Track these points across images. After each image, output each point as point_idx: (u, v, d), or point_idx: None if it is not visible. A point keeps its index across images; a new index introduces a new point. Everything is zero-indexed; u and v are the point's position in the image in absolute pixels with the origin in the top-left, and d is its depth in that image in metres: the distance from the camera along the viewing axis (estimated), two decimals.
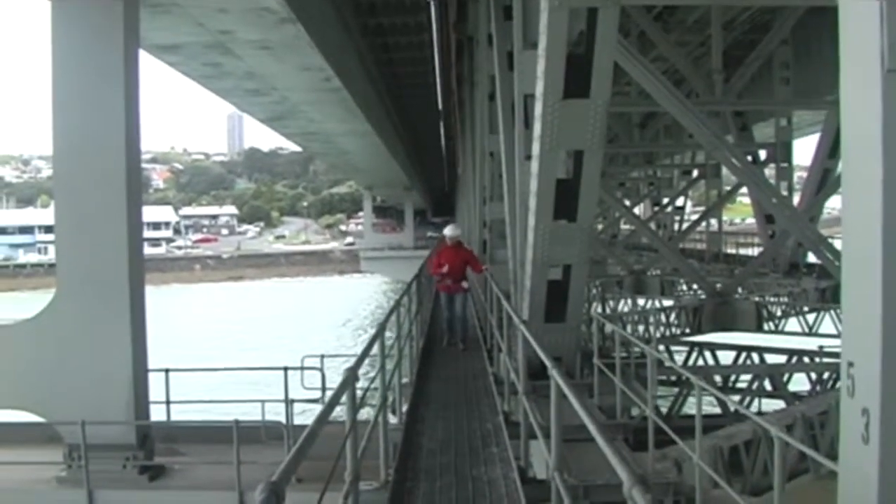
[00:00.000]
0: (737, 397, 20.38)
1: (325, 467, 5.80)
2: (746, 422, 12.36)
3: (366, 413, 11.66)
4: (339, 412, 8.18)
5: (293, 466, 4.26)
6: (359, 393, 7.80)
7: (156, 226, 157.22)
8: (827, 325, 30.35)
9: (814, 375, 21.98)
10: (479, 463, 10.69)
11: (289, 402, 15.63)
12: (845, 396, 3.21)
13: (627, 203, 52.92)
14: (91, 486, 14.56)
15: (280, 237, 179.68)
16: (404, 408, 13.41)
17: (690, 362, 25.64)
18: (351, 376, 6.74)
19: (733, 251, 47.22)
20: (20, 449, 15.91)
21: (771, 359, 23.53)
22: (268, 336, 68.98)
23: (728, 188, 41.64)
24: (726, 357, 26.16)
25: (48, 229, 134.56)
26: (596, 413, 11.83)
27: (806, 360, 22.23)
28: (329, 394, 6.98)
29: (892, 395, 2.92)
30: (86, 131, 15.12)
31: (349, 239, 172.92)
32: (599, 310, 29.47)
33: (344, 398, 6.54)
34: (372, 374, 11.23)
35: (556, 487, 6.75)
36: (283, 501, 3.76)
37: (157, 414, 16.60)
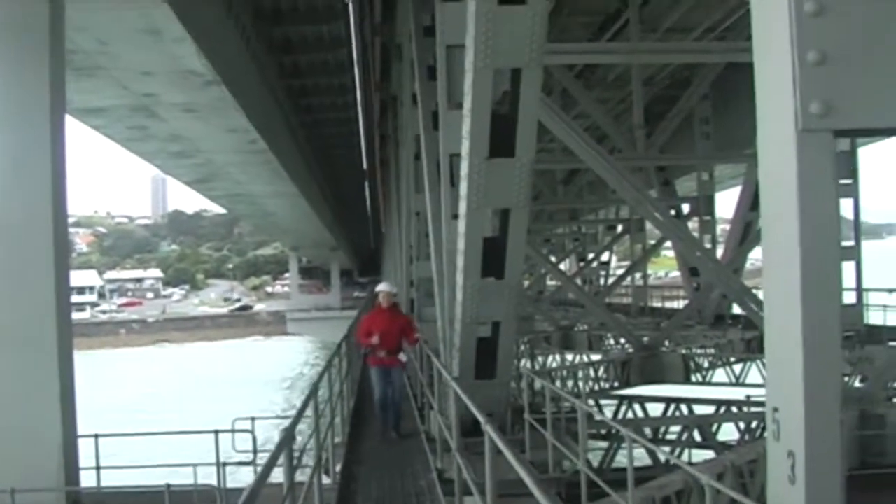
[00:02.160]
0: (667, 448, 20.57)
1: None
2: (678, 472, 12.52)
3: (299, 474, 11.66)
4: (275, 474, 8.21)
5: None
6: (300, 458, 7.85)
7: (80, 290, 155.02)
8: (754, 375, 30.76)
9: (742, 425, 22.23)
10: (403, 416, 10.70)
11: (221, 465, 15.55)
12: (772, 440, 3.33)
13: (553, 259, 53.36)
14: None
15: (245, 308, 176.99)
16: (338, 467, 13.40)
17: (620, 415, 25.82)
18: (288, 436, 6.78)
19: (659, 304, 47.70)
20: None
21: (699, 410, 23.78)
22: (197, 399, 68.44)
23: (652, 242, 42.19)
24: (656, 409, 26.41)
25: None
26: (530, 468, 11.92)
27: (734, 409, 22.51)
28: (261, 456, 6.96)
29: (815, 438, 3.07)
30: (12, 195, 15.06)
31: (270, 302, 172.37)
32: (529, 366, 29.57)
33: (281, 458, 6.57)
34: (305, 435, 11.26)
35: None
36: None
37: (87, 480, 16.43)
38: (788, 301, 3.17)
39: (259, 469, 5.72)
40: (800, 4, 3.07)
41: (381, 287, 17.68)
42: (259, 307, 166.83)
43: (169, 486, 14.18)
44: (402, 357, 17.18)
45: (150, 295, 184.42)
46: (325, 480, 11.69)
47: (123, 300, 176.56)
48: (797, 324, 3.09)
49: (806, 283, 3.08)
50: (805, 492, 3.06)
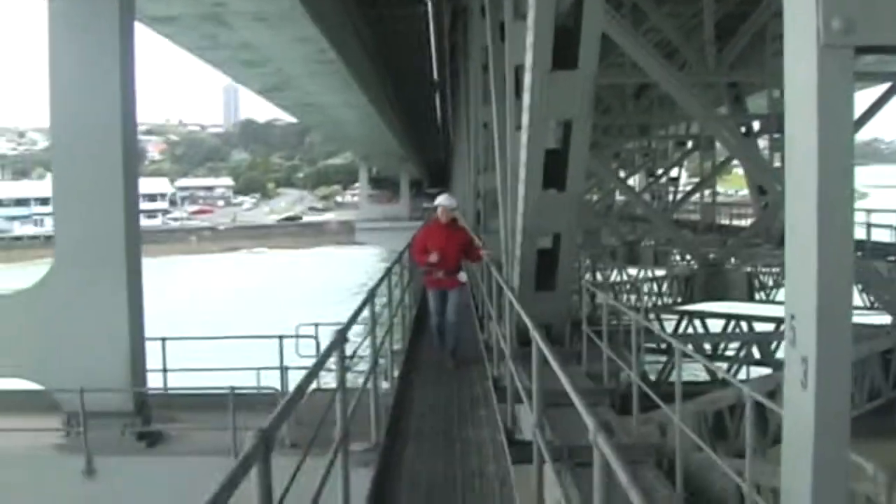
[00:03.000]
0: (724, 365, 20.66)
1: (319, 434, 6.02)
2: (730, 387, 12.61)
3: (359, 380, 11.88)
4: (331, 379, 8.41)
5: (283, 416, 4.48)
6: (351, 359, 8.06)
7: (151, 198, 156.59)
8: None
9: (850, 360, 22.21)
10: (467, 425, 10.94)
11: (284, 370, 15.86)
12: (788, 346, 3.44)
13: (622, 174, 53.10)
14: (90, 452, 14.81)
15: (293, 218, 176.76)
16: (395, 373, 13.64)
17: (680, 331, 25.92)
18: (339, 338, 6.95)
19: (727, 222, 47.42)
20: (18, 417, 16.13)
21: (760, 327, 23.80)
22: (263, 306, 69.20)
23: (722, 159, 41.82)
24: (716, 326, 26.46)
25: (44, 202, 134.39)
26: (580, 378, 12.08)
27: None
28: None
29: (827, 345, 3.20)
30: (83, 105, 15.30)
31: (341, 211, 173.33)
32: (590, 279, 29.64)
33: (333, 359, 6.74)
34: (367, 343, 11.49)
35: (538, 447, 6.98)
36: (272, 448, 3.97)
37: (153, 382, 16.84)
38: (806, 212, 3.28)
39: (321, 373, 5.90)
40: None
41: (440, 200, 15.72)
42: (328, 216, 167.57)
43: (233, 388, 14.52)
44: (462, 277, 15.61)
45: (220, 203, 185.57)
46: (384, 385, 11.92)
47: (195, 208, 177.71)
48: (813, 235, 3.21)
49: (822, 193, 3.19)
50: (815, 396, 3.20)
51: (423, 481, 9.22)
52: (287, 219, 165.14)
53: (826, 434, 3.23)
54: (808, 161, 3.26)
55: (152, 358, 16.65)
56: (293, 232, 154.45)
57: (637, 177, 60.24)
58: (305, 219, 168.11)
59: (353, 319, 8.31)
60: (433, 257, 15.01)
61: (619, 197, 51.92)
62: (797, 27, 3.35)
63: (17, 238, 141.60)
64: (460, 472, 9.46)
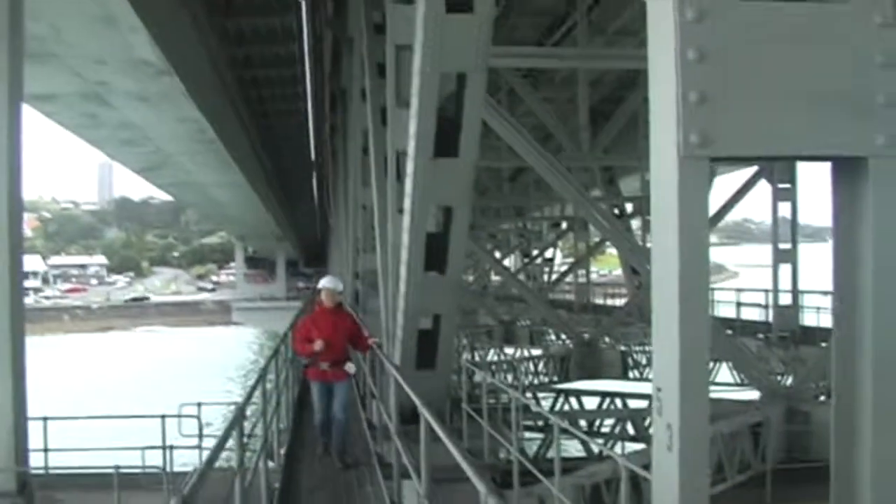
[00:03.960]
0: (601, 440, 21.18)
1: None
2: (607, 461, 13.06)
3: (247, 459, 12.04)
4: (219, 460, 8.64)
5: (199, 485, 4.77)
6: (250, 437, 8.32)
7: (24, 276, 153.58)
8: None
9: (708, 426, 22.85)
10: (354, 501, 11.18)
11: (167, 449, 15.90)
12: (656, 415, 3.92)
13: (498, 255, 53.93)
14: None
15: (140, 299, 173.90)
16: (282, 451, 13.81)
17: (557, 408, 26.45)
18: (239, 414, 7.23)
19: (602, 302, 48.36)
20: None
21: (633, 404, 24.42)
22: (143, 385, 68.36)
23: (596, 240, 42.83)
24: (592, 403, 27.06)
25: None
26: (465, 452, 12.42)
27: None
28: (207, 440, 7.24)
29: (688, 413, 3.68)
30: None
31: (209, 285, 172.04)
32: (469, 358, 30.08)
33: (233, 436, 7.00)
34: (250, 421, 11.70)
35: None
36: None
37: (35, 462, 16.70)
38: (668, 299, 3.78)
39: (206, 452, 6.06)
40: (684, 52, 3.70)
41: (325, 283, 14.39)
42: (204, 296, 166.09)
43: (118, 468, 14.53)
44: (350, 368, 13.92)
45: (94, 281, 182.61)
46: (270, 464, 12.12)
47: (67, 286, 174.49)
48: (675, 318, 3.71)
49: (682, 282, 3.69)
50: (679, 458, 3.69)
51: None
52: (133, 300, 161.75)
53: (689, 490, 3.73)
54: (670, 254, 3.76)
55: (34, 437, 16.53)
56: (168, 311, 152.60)
57: (513, 257, 61.14)
58: (182, 297, 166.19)
59: (249, 396, 8.59)
60: (318, 345, 13.31)
61: (494, 277, 52.66)
62: (661, 140, 3.91)
63: None
64: None
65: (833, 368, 4.36)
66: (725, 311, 36.83)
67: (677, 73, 3.72)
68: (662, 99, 3.90)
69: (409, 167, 12.43)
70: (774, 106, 3.80)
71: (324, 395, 13.67)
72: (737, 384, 25.63)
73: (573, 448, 23.69)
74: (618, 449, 20.93)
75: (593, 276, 53.18)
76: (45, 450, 16.64)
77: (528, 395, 25.80)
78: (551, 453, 21.72)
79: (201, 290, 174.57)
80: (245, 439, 8.65)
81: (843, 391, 4.26)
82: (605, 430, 23.81)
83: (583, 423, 23.44)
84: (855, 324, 4.15)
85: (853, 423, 4.17)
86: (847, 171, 4.07)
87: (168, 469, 15.20)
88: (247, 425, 9.55)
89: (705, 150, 3.70)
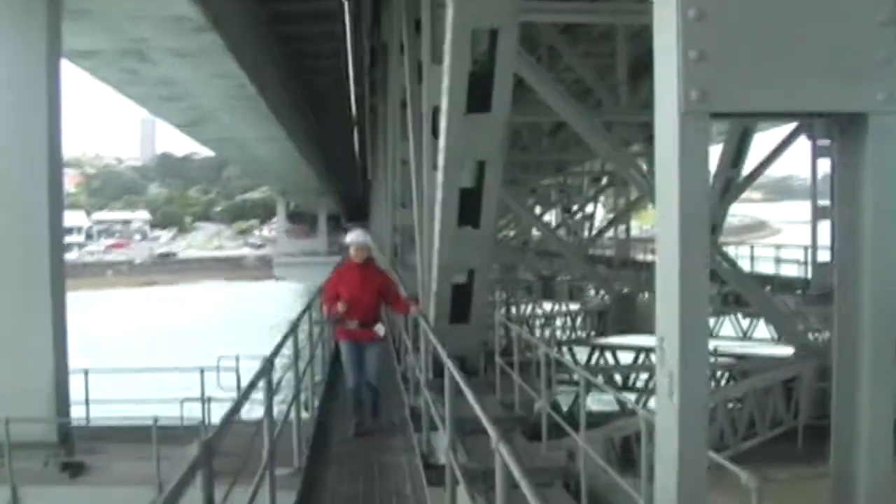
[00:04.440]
0: (633, 395, 21.30)
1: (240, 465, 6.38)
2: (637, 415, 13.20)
3: (280, 412, 12.21)
4: (252, 413, 8.82)
5: (224, 429, 4.92)
6: (278, 385, 8.50)
7: (67, 231, 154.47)
8: (726, 329, 31.51)
9: (707, 373, 22.96)
10: (385, 451, 11.36)
11: (206, 401, 16.17)
12: (659, 364, 4.05)
13: (539, 210, 53.90)
14: (15, 482, 15.02)
15: (189, 246, 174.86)
16: (316, 403, 14.01)
17: (592, 363, 26.57)
18: (267, 365, 7.40)
19: (641, 257, 48.30)
20: None
21: None
22: (182, 340, 68.86)
23: (636, 196, 42.72)
24: (628, 358, 27.17)
25: None
26: (493, 407, 12.57)
27: None
28: None
29: (688, 362, 3.81)
30: (9, 136, 15.57)
31: (256, 241, 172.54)
32: (505, 313, 30.21)
33: (260, 386, 7.17)
34: (288, 375, 11.92)
35: (451, 469, 7.46)
36: (214, 456, 4.43)
37: (77, 414, 17.05)
38: (670, 252, 3.90)
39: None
40: (685, 11, 3.80)
41: (351, 237, 13.35)
42: (246, 251, 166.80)
43: (156, 419, 14.81)
44: (380, 329, 12.93)
45: (137, 237, 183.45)
46: (304, 415, 12.31)
47: (111, 241, 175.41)
48: (676, 271, 3.83)
49: (683, 235, 3.80)
50: (679, 404, 3.83)
51: (343, 501, 9.67)
52: (163, 255, 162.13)
53: (688, 435, 3.86)
54: (672, 208, 3.88)
55: (75, 390, 16.87)
56: (211, 266, 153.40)
57: (553, 213, 61.06)
58: (224, 253, 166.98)
59: (279, 348, 8.76)
60: (341, 306, 12.59)
61: (535, 233, 52.66)
62: (663, 96, 4.01)
63: None
64: (379, 492, 9.92)
65: (834, 322, 4.47)
66: (764, 267, 36.82)
67: (678, 31, 3.82)
68: (664, 56, 4.01)
69: (443, 123, 12.55)
70: (773, 62, 3.89)
71: (354, 357, 12.85)
72: (773, 340, 25.66)
73: (608, 404, 23.86)
74: (651, 404, 21.04)
75: (634, 232, 53.09)
76: (87, 402, 16.94)
77: (564, 349, 25.94)
78: (586, 407, 21.93)
79: (250, 245, 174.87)
80: (275, 389, 8.82)
81: (843, 343, 4.37)
82: (639, 384, 23.94)
83: (617, 377, 23.56)
84: (855, 280, 4.25)
85: (852, 382, 4.29)
86: (847, 128, 4.15)
87: (206, 421, 15.48)
88: (279, 376, 9.72)
89: (704, 105, 3.80)
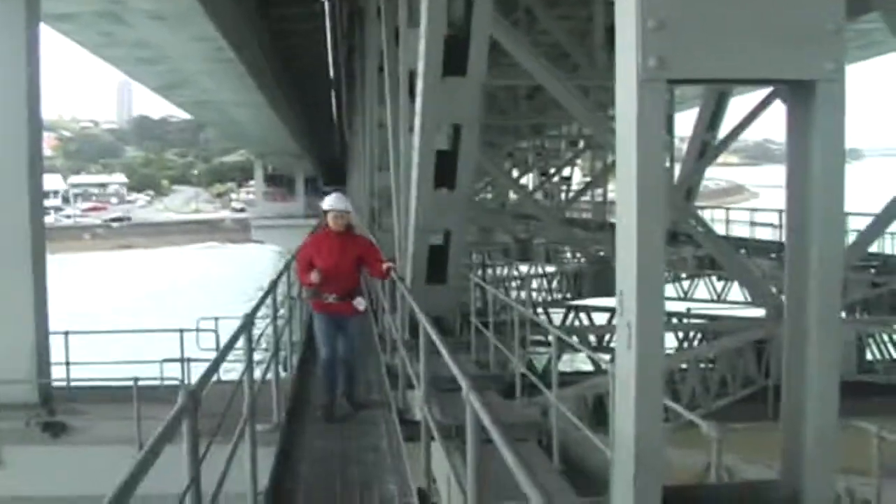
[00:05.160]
0: (608, 356, 21.52)
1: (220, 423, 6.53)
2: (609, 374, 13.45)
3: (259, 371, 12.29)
4: (230, 375, 9.00)
5: (208, 377, 5.11)
6: (258, 341, 8.69)
7: (44, 194, 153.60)
8: (701, 291, 31.83)
9: (681, 334, 23.29)
10: (357, 382, 11.52)
11: (185, 362, 16.34)
12: (618, 315, 4.28)
13: (516, 173, 54.05)
14: None
15: (166, 209, 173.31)
16: (295, 362, 14.20)
17: (567, 323, 26.83)
18: (248, 321, 7.59)
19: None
20: None
21: None
22: (162, 302, 68.95)
23: (612, 159, 42.87)
24: (602, 319, 27.44)
25: None
26: (469, 366, 12.79)
27: (675, 321, 23.41)
28: None
29: (645, 312, 4.03)
30: None
31: (238, 205, 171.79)
32: (481, 274, 30.41)
33: (241, 342, 7.36)
34: (267, 333, 12.11)
35: (426, 424, 7.68)
36: (199, 405, 4.63)
37: (57, 375, 17.22)
38: (628, 209, 4.11)
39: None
40: None
41: (330, 202, 11.88)
42: (223, 214, 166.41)
43: (137, 380, 15.00)
44: (360, 304, 11.77)
45: (114, 200, 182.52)
46: (283, 374, 12.50)
47: (88, 205, 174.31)
48: (633, 227, 4.05)
49: (640, 194, 4.02)
50: (636, 354, 4.05)
51: (321, 456, 9.89)
52: (114, 219, 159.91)
53: (645, 383, 4.06)
54: (630, 169, 4.09)
55: (56, 352, 17.03)
56: (188, 229, 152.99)
57: (530, 176, 61.20)
58: (202, 216, 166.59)
59: (258, 305, 8.95)
60: (314, 276, 11.35)
61: (512, 196, 52.83)
62: (622, 63, 4.21)
63: None
64: (356, 447, 10.15)
65: (785, 281, 4.71)
66: (739, 230, 37.14)
67: (637, 0, 4.03)
68: (624, 25, 4.18)
69: (419, 86, 12.72)
70: (728, 31, 4.08)
71: (330, 330, 11.66)
72: (746, 303, 25.96)
73: (582, 363, 24.18)
74: None
75: (611, 196, 53.20)
76: (67, 363, 17.10)
77: (539, 310, 26.19)
78: (561, 367, 22.20)
79: (230, 208, 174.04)
80: (256, 343, 8.98)
81: (791, 299, 4.61)
82: (613, 345, 24.17)
83: (592, 338, 23.80)
84: (804, 240, 4.47)
85: (802, 338, 4.52)
86: (798, 95, 4.35)
87: (186, 381, 15.67)
88: (258, 334, 9.89)
89: (662, 72, 4.00)
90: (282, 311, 12.43)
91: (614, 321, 24.30)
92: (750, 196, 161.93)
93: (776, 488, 4.60)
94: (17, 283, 15.96)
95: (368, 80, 29.98)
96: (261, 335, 10.65)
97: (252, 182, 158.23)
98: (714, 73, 4.27)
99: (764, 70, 4.24)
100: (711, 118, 32.28)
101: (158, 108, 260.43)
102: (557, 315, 29.06)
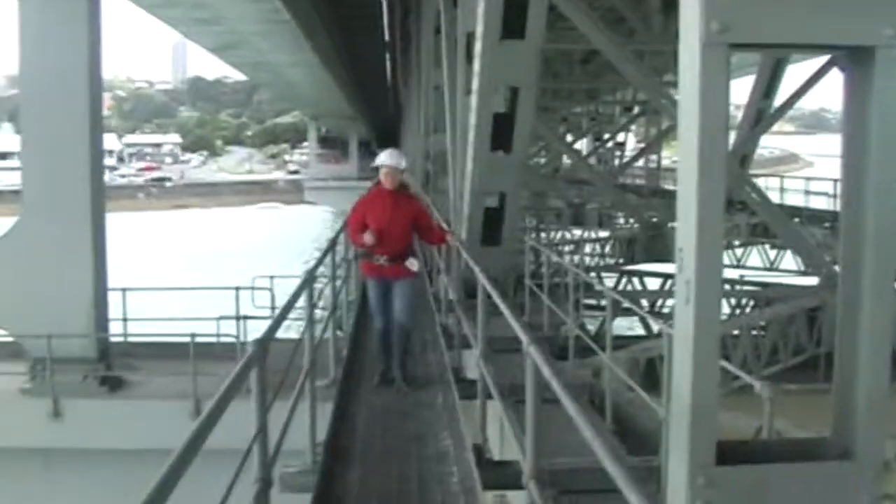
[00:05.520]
0: (661, 320, 21.56)
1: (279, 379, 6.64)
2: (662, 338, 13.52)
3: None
4: (290, 333, 9.14)
5: (276, 327, 5.25)
6: (319, 297, 8.84)
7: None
8: (754, 259, 31.73)
9: (734, 301, 23.27)
10: (419, 366, 11.69)
11: (241, 319, 16.59)
12: (677, 272, 4.37)
13: (570, 138, 53.87)
14: (56, 395, 15.58)
15: (220, 169, 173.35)
16: (351, 321, 14.35)
17: (619, 287, 26.87)
18: (309, 278, 7.75)
19: (672, 187, 48.20)
20: None
21: None
22: (217, 260, 69.34)
23: (668, 125, 42.67)
24: (655, 284, 27.45)
25: None
26: (522, 322, 12.87)
27: (727, 287, 23.39)
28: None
29: (704, 270, 4.14)
30: (52, 61, 15.93)
31: (291, 167, 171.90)
32: (535, 237, 30.48)
33: (302, 299, 7.52)
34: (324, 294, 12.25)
35: (482, 383, 7.81)
36: (267, 354, 4.77)
37: (115, 331, 17.54)
38: (690, 171, 4.20)
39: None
40: None
41: (384, 158, 11.27)
42: (277, 175, 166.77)
43: (194, 336, 15.26)
44: (412, 264, 11.19)
45: (168, 160, 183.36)
46: (339, 333, 12.66)
47: (142, 164, 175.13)
48: (694, 190, 4.14)
49: (701, 157, 4.10)
50: (695, 309, 4.14)
51: (377, 412, 10.05)
52: (155, 180, 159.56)
53: (701, 339, 4.17)
54: (691, 134, 4.17)
55: (113, 308, 17.34)
56: (242, 190, 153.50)
57: (584, 141, 61.02)
58: (255, 177, 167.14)
59: (319, 262, 9.11)
60: (368, 237, 10.88)
61: (565, 160, 52.66)
62: (686, 27, 4.30)
63: None
64: (412, 403, 10.30)
65: (839, 250, 4.79)
66: (793, 199, 36.93)
67: None
68: None
69: (477, 48, 12.79)
70: None
71: (382, 295, 11.25)
72: (799, 271, 25.89)
73: (633, 328, 24.20)
74: None
75: (665, 162, 52.93)
76: (125, 319, 17.41)
77: (592, 275, 26.24)
78: (614, 331, 22.27)
79: (284, 169, 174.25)
80: (317, 298, 9.11)
81: (846, 265, 4.68)
82: (665, 310, 24.20)
83: (644, 302, 23.85)
84: (859, 209, 4.52)
85: (855, 306, 4.59)
86: (857, 61, 4.40)
87: (242, 339, 15.92)
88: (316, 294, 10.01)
89: (724, 36, 4.07)
90: (338, 272, 12.53)
91: (668, 286, 24.36)
92: (804, 165, 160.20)
93: (827, 446, 4.69)
94: (77, 239, 16.28)
95: (424, 43, 29.99)
96: (319, 294, 10.69)
97: (305, 144, 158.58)
98: (774, 38, 4.32)
99: (823, 35, 4.29)
100: (768, 85, 32.01)
101: (213, 68, 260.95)
102: (610, 281, 29.07)
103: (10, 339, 16.93)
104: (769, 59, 29.95)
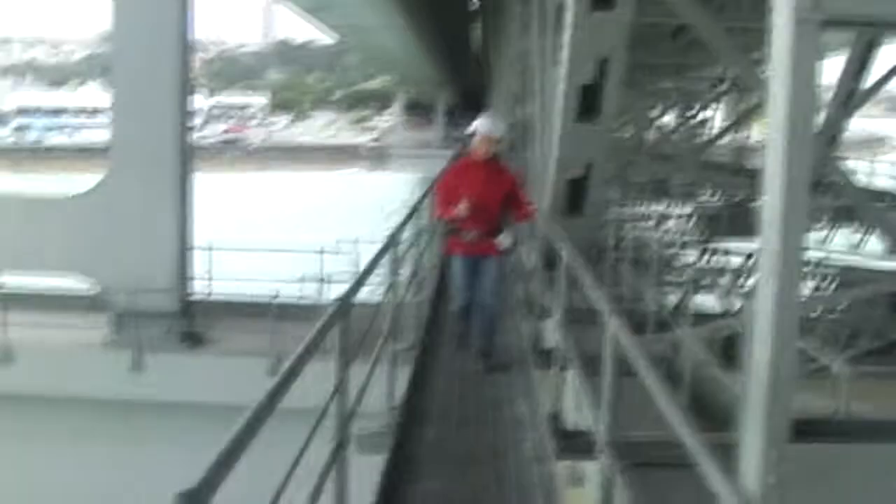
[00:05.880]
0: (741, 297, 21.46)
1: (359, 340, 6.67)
2: (742, 315, 13.48)
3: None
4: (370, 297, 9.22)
5: (359, 285, 5.31)
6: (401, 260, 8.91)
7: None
8: (838, 242, 31.35)
9: (816, 282, 23.04)
10: (498, 333, 11.73)
11: (324, 281, 16.78)
12: (761, 249, 4.40)
13: (656, 112, 53.46)
14: (138, 349, 15.91)
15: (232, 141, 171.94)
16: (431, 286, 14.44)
17: (701, 265, 26.72)
18: (392, 241, 7.83)
19: (756, 166, 47.69)
20: (63, 315, 17.18)
21: None
22: (302, 223, 69.74)
23: (756, 103, 42.19)
24: (737, 262, 27.24)
25: (78, 112, 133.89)
26: (603, 291, 12.86)
27: (810, 267, 23.14)
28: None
29: (787, 248, 4.16)
30: (144, 19, 16.18)
31: (377, 133, 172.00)
32: (619, 211, 30.39)
33: (385, 261, 7.59)
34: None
35: (560, 353, 7.86)
36: (349, 314, 4.85)
37: (198, 288, 17.83)
38: (777, 152, 4.22)
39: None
40: None
41: (481, 124, 10.33)
42: (361, 140, 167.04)
43: (276, 295, 15.48)
44: (506, 239, 10.36)
45: (254, 122, 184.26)
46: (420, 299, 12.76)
47: (228, 125, 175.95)
48: (780, 169, 4.17)
49: (789, 138, 4.14)
50: (776, 287, 4.17)
51: (455, 376, 10.12)
52: (226, 142, 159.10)
53: (782, 316, 4.21)
54: (781, 111, 4.19)
55: (197, 266, 17.63)
56: (326, 154, 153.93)
57: (670, 116, 60.52)
58: (338, 141, 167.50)
59: (402, 226, 9.17)
60: (462, 208, 9.93)
61: (650, 135, 52.27)
62: (778, 3, 4.31)
63: (49, 149, 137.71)
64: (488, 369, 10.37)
65: None
66: (882, 182, 36.39)
67: None
68: None
69: (567, 18, 12.75)
70: None
71: (467, 273, 10.40)
72: (883, 255, 25.56)
73: (711, 305, 24.07)
74: None
75: (751, 141, 52.34)
76: (210, 278, 17.70)
77: (674, 250, 26.09)
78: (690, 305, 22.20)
79: (373, 137, 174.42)
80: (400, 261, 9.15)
81: None
82: (746, 289, 24.03)
83: (724, 280, 23.67)
84: None
85: None
86: None
87: (323, 300, 16.09)
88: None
89: (816, 13, 4.07)
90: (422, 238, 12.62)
91: (749, 263, 24.22)
92: (892, 148, 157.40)
93: None
94: (164, 196, 16.57)
95: (513, 12, 29.92)
96: (401, 258, 10.53)
97: (391, 109, 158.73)
98: (865, 15, 4.32)
99: None
100: (859, 66, 31.51)
101: (300, 32, 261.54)
102: (691, 257, 28.91)
103: (88, 292, 17.28)
104: (861, 38, 29.47)
